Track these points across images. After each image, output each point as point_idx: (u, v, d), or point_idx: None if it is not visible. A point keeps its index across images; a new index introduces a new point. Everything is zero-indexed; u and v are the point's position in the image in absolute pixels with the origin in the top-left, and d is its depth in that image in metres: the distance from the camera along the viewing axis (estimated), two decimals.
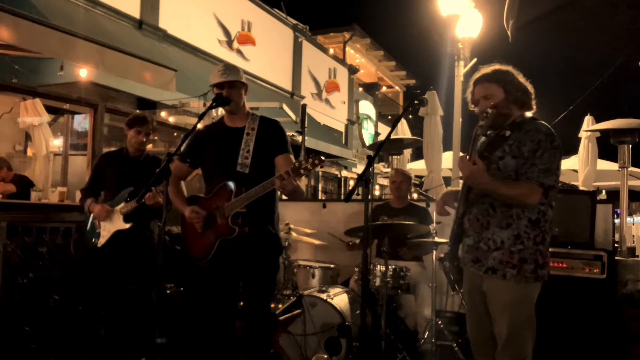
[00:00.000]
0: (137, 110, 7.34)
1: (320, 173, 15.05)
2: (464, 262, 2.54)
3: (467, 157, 2.38)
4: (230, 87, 2.86)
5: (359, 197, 6.57)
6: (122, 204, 3.63)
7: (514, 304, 2.38)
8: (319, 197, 13.87)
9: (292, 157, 2.91)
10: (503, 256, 2.37)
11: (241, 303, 2.93)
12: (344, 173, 16.57)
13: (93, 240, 3.71)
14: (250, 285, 2.88)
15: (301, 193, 2.83)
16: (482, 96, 2.49)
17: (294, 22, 14.17)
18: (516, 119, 2.47)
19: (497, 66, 2.54)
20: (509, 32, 2.80)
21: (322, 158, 2.56)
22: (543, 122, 2.46)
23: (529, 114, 2.51)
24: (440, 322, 3.82)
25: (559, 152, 2.38)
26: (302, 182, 13.49)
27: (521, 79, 2.52)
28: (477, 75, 2.57)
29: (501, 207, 2.39)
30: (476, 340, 2.61)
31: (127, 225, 3.61)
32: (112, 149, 4.57)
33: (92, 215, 3.76)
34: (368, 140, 18.01)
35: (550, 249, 3.52)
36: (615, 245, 4.14)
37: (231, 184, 2.76)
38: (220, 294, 2.88)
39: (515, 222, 2.38)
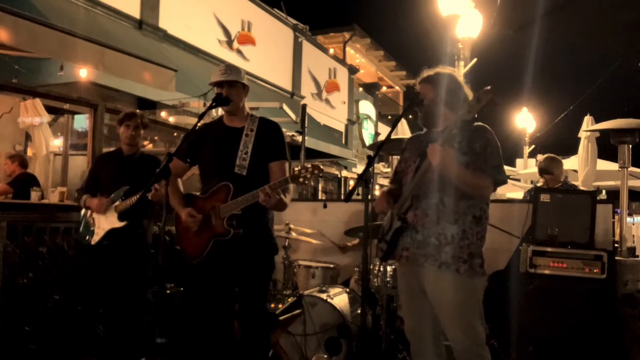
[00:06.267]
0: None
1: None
2: (412, 258, 2.54)
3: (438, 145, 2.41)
4: (230, 86, 2.86)
5: (359, 197, 6.56)
6: (118, 202, 3.61)
7: (467, 298, 2.45)
8: (319, 197, 13.85)
9: (286, 164, 2.90)
10: (454, 251, 2.44)
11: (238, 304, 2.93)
12: (344, 173, 16.56)
13: (87, 238, 3.68)
14: (246, 285, 2.87)
15: (283, 206, 2.79)
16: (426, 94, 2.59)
17: (294, 22, 14.16)
18: (456, 119, 2.52)
19: (439, 69, 2.65)
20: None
21: (322, 167, 2.59)
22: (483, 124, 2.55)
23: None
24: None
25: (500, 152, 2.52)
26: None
27: (456, 83, 2.61)
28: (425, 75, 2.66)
29: (450, 203, 2.46)
30: (417, 338, 2.63)
31: (122, 224, 3.59)
32: (112, 149, 4.57)
33: (87, 212, 3.73)
34: (368, 140, 18.00)
35: (550, 249, 3.60)
36: (615, 245, 4.14)
37: (229, 186, 2.77)
38: (216, 294, 2.87)
39: (461, 217, 2.46)
